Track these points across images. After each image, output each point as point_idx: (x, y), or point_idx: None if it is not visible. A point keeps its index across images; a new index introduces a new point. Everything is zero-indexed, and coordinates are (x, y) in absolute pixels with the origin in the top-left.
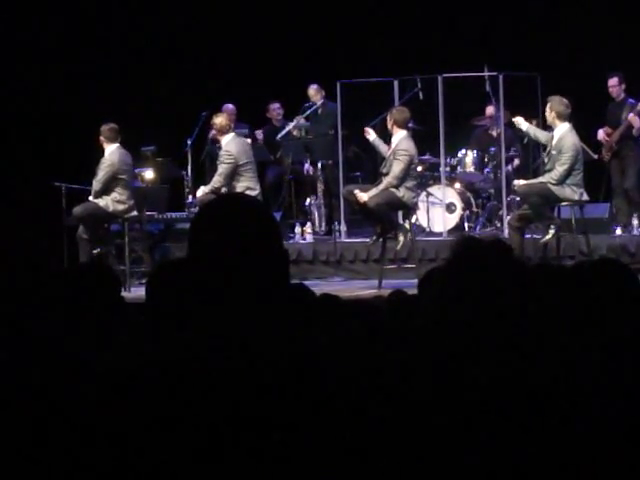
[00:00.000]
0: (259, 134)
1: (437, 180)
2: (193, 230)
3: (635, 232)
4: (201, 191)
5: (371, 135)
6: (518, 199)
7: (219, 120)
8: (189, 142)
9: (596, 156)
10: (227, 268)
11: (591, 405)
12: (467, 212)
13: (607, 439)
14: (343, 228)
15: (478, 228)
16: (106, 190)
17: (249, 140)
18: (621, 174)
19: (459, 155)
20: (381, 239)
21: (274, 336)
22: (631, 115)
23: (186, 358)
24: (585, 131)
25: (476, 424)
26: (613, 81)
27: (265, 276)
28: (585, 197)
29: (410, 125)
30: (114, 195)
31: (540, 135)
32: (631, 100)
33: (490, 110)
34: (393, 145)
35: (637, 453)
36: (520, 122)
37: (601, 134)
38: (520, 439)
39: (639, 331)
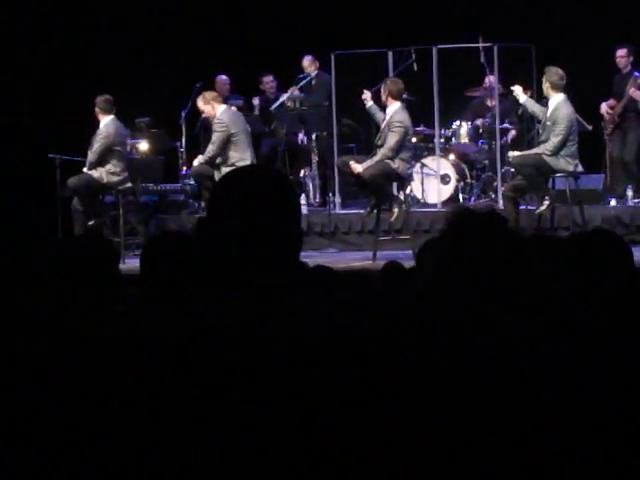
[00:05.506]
0: (256, 101)
1: (431, 151)
2: (213, 200)
3: (629, 203)
4: (197, 162)
5: (368, 101)
6: (512, 170)
7: (203, 104)
8: (183, 114)
9: (590, 127)
10: (242, 238)
11: (588, 375)
12: (461, 183)
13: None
14: (337, 199)
15: (472, 199)
16: (101, 162)
17: (236, 108)
18: (622, 145)
19: (453, 126)
20: (375, 210)
21: (281, 313)
22: (632, 90)
23: (186, 333)
24: (581, 102)
25: (471, 396)
26: (622, 52)
27: (278, 249)
28: (580, 168)
29: (404, 96)
30: (109, 167)
31: (537, 110)
32: (636, 73)
33: (490, 80)
34: (387, 117)
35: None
36: (518, 93)
37: (604, 108)
38: (518, 412)
39: (633, 302)
